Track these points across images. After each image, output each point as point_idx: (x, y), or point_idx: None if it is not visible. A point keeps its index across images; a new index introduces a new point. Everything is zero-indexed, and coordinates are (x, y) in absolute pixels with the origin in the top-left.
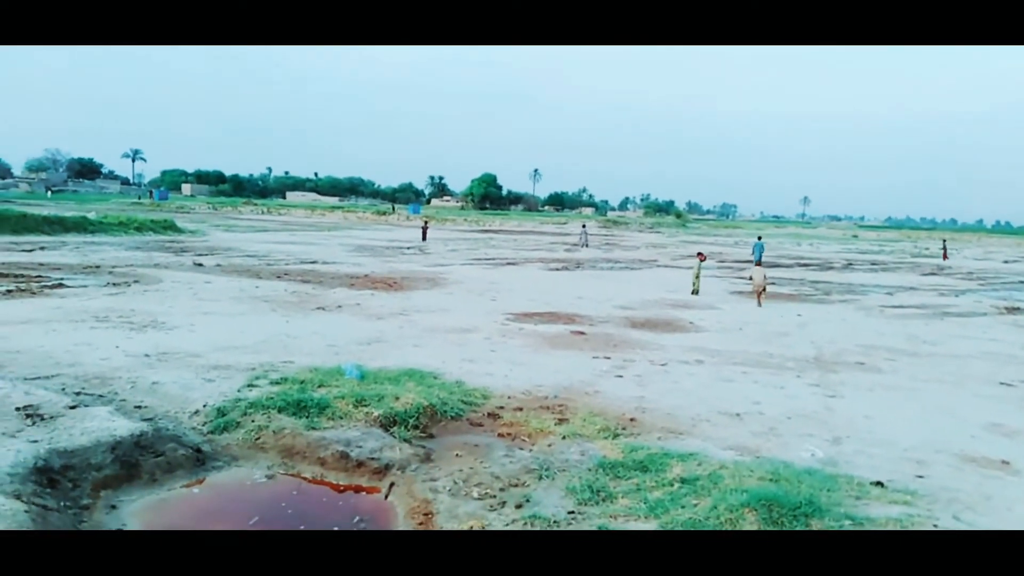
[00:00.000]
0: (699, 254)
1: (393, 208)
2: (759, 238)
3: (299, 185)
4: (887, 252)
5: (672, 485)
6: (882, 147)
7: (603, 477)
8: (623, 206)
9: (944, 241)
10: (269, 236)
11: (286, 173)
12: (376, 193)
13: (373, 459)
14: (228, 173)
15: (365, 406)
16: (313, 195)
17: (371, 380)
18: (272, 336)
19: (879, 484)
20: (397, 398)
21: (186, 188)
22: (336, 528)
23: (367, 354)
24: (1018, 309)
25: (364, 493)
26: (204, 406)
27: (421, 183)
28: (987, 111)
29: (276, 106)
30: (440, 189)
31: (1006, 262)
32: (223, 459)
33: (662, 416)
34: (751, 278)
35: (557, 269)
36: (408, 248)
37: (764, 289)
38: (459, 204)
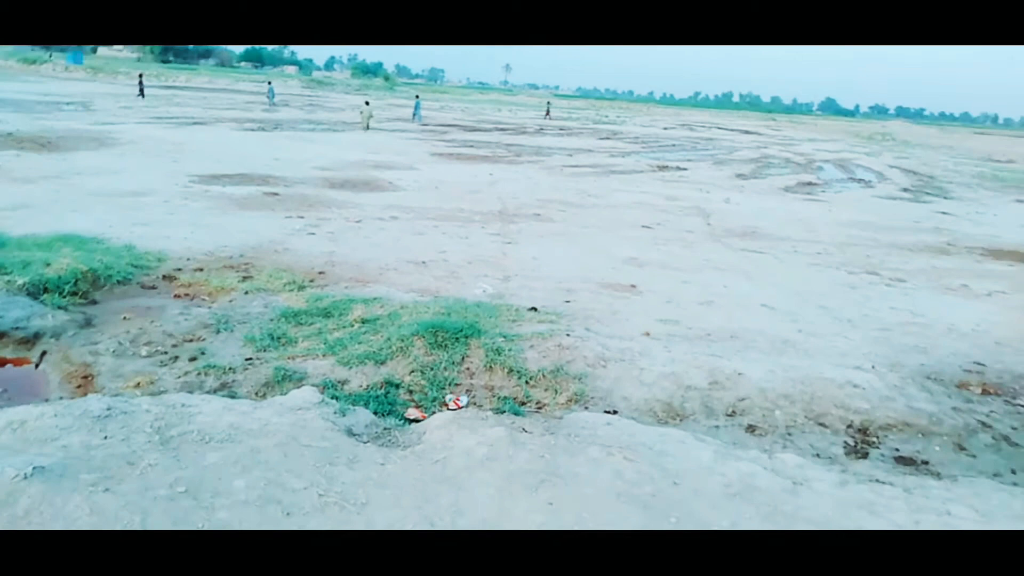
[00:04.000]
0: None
1: (50, 55)
2: (416, 96)
3: None
4: (574, 119)
5: (353, 326)
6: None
7: (285, 325)
8: (329, 66)
9: (548, 102)
10: None
11: None
12: None
13: (18, 329)
14: None
15: (6, 274)
16: None
17: (14, 247)
18: None
19: (533, 309)
20: (48, 264)
21: None
22: None
23: (10, 221)
24: (666, 167)
25: (10, 365)
26: None
27: None
28: None
29: None
30: None
31: (665, 128)
32: None
33: (351, 268)
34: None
35: (252, 130)
36: (68, 104)
37: (368, 120)
38: (135, 55)
